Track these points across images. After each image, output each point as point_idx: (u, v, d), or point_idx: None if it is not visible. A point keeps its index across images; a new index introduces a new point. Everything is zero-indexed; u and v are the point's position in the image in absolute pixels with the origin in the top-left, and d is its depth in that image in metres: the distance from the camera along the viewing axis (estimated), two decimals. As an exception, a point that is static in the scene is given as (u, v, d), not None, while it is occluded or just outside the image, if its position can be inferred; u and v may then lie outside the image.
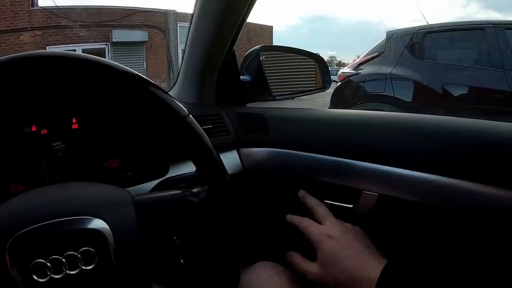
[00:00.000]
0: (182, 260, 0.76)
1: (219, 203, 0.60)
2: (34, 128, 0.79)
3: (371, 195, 0.74)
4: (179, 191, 0.60)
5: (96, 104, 0.85)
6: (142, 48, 9.91)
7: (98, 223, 0.49)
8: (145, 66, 10.15)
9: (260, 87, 1.06)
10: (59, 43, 8.81)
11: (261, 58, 1.06)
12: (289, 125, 0.93)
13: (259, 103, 1.09)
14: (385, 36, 3.68)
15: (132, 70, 0.56)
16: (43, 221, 0.47)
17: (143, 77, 0.56)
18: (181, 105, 0.58)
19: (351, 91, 3.71)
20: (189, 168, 0.85)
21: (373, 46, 3.76)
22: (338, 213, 0.75)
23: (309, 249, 0.67)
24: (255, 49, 1.07)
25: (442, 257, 0.66)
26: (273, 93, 1.09)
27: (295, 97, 1.16)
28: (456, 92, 3.12)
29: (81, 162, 0.83)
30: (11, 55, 0.50)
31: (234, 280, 0.68)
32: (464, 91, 3.12)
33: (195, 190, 0.60)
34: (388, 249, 0.66)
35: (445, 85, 3.15)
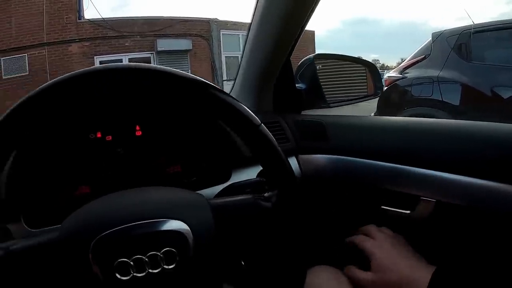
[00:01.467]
0: (242, 262, 0.79)
1: (290, 206, 0.62)
2: (99, 135, 0.82)
3: (428, 201, 0.74)
4: (250, 196, 0.61)
5: (159, 112, 0.88)
6: (187, 56, 10.12)
7: (179, 225, 0.51)
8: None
9: (315, 95, 1.08)
10: (106, 53, 9.22)
11: (316, 66, 1.08)
12: (347, 132, 0.94)
13: (313, 111, 1.11)
14: (431, 38, 3.57)
15: (204, 79, 0.58)
16: (127, 223, 0.49)
17: (216, 87, 0.57)
18: (254, 114, 0.59)
19: (398, 95, 3.62)
20: (250, 174, 0.87)
21: (419, 49, 3.64)
22: (395, 219, 0.76)
23: (363, 260, 0.70)
24: (310, 58, 1.09)
25: (498, 264, 0.65)
26: (330, 99, 1.11)
27: (349, 104, 1.16)
28: (506, 94, 2.95)
29: (144, 168, 0.86)
30: (90, 67, 0.53)
31: (300, 282, 0.70)
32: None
33: (266, 194, 0.62)
34: (437, 255, 0.67)
35: (494, 87, 2.99)
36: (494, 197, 0.66)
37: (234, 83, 1.13)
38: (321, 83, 1.10)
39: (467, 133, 0.76)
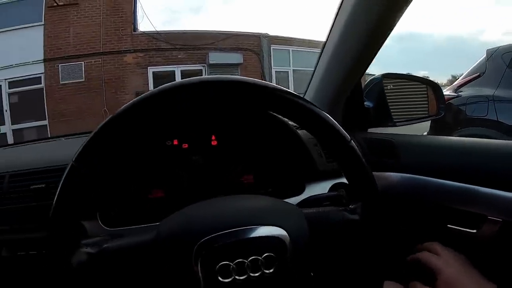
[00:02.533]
0: (311, 273, 0.81)
1: (375, 219, 0.64)
2: (176, 142, 0.86)
3: (495, 220, 0.73)
4: (337, 208, 0.63)
5: (236, 122, 0.91)
6: (237, 69, 10.25)
7: (279, 231, 0.53)
8: (240, 87, 10.47)
9: (383, 113, 1.10)
10: (159, 64, 9.58)
11: (384, 85, 1.10)
12: (418, 151, 0.95)
13: (379, 129, 1.13)
14: (485, 55, 3.48)
15: (297, 94, 0.59)
16: (229, 228, 0.52)
17: (308, 101, 0.59)
18: (344, 130, 0.61)
19: (452, 115, 3.52)
20: (323, 188, 0.89)
21: (473, 66, 3.55)
22: (462, 238, 0.76)
23: (428, 276, 0.70)
24: (378, 77, 1.11)
25: None
26: (395, 118, 1.12)
27: (414, 123, 1.17)
28: None
29: (217, 176, 0.89)
30: (178, 81, 0.55)
31: None
32: None
33: (352, 206, 0.64)
34: (501, 275, 0.66)
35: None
36: None
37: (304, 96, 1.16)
38: (388, 102, 1.12)
39: None
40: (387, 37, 0.90)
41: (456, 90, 3.54)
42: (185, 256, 0.51)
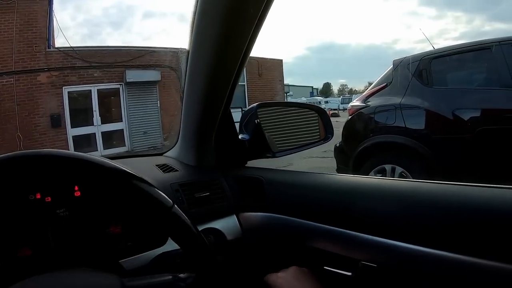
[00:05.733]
0: None
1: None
2: (38, 196, 0.81)
3: (370, 266, 0.72)
4: (169, 276, 0.62)
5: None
6: (156, 87, 10.15)
7: None
8: (158, 105, 10.34)
9: (259, 145, 1.05)
10: (75, 83, 9.11)
11: (258, 115, 1.05)
12: (285, 190, 0.94)
13: (260, 160, 1.08)
14: (392, 66, 3.66)
15: (119, 166, 0.61)
16: None
17: (129, 172, 0.61)
18: (166, 196, 0.61)
19: (362, 124, 3.66)
20: None
21: (381, 77, 3.73)
22: (338, 280, 0.76)
23: None
24: (253, 107, 1.07)
25: None
26: (277, 148, 1.09)
27: (296, 152, 1.14)
28: (467, 115, 3.04)
29: (85, 228, 0.84)
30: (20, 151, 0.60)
31: None
32: (476, 113, 3.04)
33: (183, 275, 0.62)
34: None
35: (456, 110, 3.07)
36: (435, 265, 0.64)
37: (178, 135, 1.10)
38: (268, 132, 1.08)
39: (408, 195, 0.75)
40: (241, 67, 0.88)
41: (365, 100, 3.68)
42: None
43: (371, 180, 0.87)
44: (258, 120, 1.04)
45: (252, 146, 1.05)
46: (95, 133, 9.53)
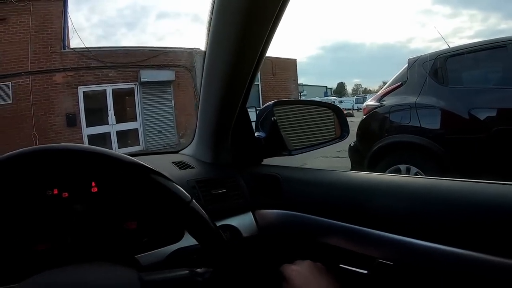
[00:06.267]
0: None
1: (222, 284, 0.63)
2: (56, 191, 0.82)
3: (386, 263, 0.72)
4: (186, 270, 0.62)
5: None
6: (170, 86, 10.21)
7: None
8: (173, 104, 10.42)
9: (276, 143, 1.05)
10: (90, 83, 9.24)
11: (274, 113, 1.05)
12: (301, 187, 0.93)
13: (275, 160, 1.08)
14: (407, 64, 3.61)
15: (138, 161, 0.61)
16: None
17: (148, 168, 0.61)
18: (184, 191, 0.61)
19: (377, 123, 3.62)
20: None
21: (396, 76, 3.68)
22: (354, 278, 0.75)
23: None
24: (269, 105, 1.07)
25: None
26: (293, 146, 1.09)
27: (312, 150, 1.13)
28: (483, 115, 2.97)
29: (101, 224, 0.85)
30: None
31: None
32: (492, 113, 2.98)
33: (200, 270, 0.62)
34: None
35: (472, 109, 3.01)
36: (451, 262, 0.63)
37: (194, 133, 1.10)
38: (283, 130, 1.08)
39: (423, 191, 0.74)
40: (257, 68, 0.88)
41: (380, 99, 3.64)
42: None
43: (387, 177, 0.86)
44: (275, 118, 1.04)
45: (268, 144, 1.05)
46: (110, 132, 9.67)
